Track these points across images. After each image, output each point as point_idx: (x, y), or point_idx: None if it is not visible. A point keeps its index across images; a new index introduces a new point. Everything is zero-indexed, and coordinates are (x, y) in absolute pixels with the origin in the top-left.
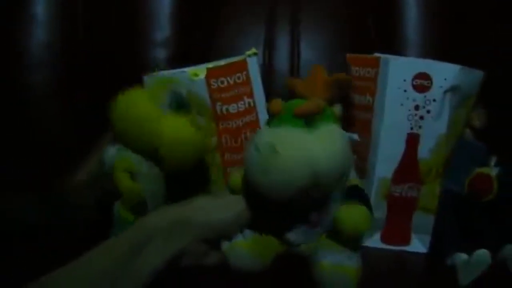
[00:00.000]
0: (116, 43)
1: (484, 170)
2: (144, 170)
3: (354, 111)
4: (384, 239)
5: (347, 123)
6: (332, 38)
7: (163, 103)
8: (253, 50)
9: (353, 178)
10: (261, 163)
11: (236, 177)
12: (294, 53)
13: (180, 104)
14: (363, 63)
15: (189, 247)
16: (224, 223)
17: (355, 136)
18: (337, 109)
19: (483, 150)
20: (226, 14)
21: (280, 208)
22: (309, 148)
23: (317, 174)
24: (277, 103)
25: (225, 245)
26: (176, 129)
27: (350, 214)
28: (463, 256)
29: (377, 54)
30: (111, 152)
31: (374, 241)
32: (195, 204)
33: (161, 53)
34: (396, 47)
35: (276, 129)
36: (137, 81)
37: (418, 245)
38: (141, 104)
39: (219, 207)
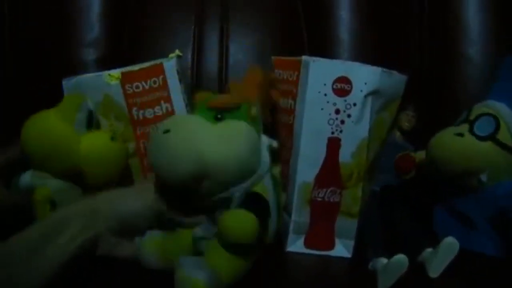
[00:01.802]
0: (45, 43)
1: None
2: (64, 197)
3: (278, 115)
4: (307, 244)
5: (273, 127)
6: (261, 38)
7: (77, 122)
8: (177, 52)
9: (260, 186)
10: (155, 141)
11: None
12: (223, 54)
13: (91, 120)
14: (285, 66)
15: (100, 236)
16: (130, 213)
17: (274, 143)
18: (254, 109)
19: (411, 151)
20: (156, 14)
21: (180, 196)
22: (202, 135)
23: (205, 162)
24: (201, 95)
25: (137, 240)
26: (94, 146)
27: (230, 220)
28: (383, 260)
29: (303, 57)
30: (26, 178)
31: (297, 246)
32: (106, 195)
33: (90, 54)
34: (327, 48)
35: (183, 116)
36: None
37: (342, 250)
38: (56, 128)
39: (128, 198)
